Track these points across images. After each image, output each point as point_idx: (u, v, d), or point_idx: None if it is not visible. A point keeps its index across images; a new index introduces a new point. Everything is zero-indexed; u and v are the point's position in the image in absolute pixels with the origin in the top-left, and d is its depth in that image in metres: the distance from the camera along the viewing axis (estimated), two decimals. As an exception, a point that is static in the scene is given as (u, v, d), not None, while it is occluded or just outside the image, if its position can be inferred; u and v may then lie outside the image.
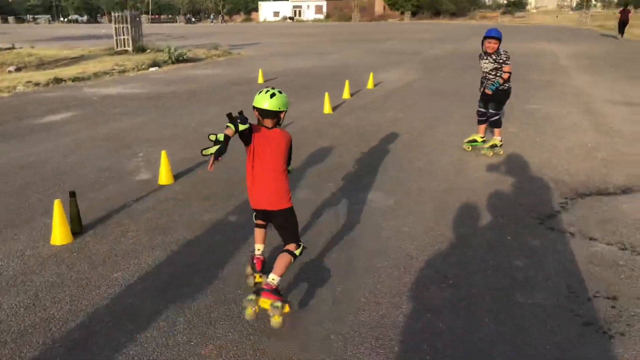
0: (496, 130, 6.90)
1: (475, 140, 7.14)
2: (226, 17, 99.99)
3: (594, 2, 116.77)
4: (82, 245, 4.39)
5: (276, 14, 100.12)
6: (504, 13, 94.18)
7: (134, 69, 17.12)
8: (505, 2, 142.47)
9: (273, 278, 3.12)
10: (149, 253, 4.23)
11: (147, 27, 45.72)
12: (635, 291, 3.50)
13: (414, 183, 5.89)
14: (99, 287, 3.69)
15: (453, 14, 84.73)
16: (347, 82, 11.91)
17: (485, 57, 6.67)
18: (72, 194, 4.67)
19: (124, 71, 16.61)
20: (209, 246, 4.33)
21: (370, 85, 12.97)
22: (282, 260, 3.20)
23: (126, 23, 22.03)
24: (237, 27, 64.19)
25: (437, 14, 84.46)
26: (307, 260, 4.02)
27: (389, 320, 3.21)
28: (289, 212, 3.35)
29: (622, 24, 30.19)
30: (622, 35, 30.12)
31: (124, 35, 22.20)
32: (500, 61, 6.51)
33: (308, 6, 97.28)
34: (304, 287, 3.64)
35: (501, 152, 6.93)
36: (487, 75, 6.74)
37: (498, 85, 6.61)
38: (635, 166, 6.37)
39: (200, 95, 12.20)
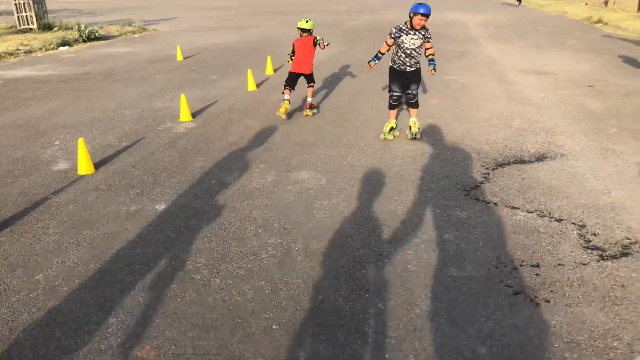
0: (415, 111, 6.57)
1: (393, 128, 6.66)
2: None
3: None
4: (-3, 247, 4.09)
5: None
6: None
7: (41, 48, 15.93)
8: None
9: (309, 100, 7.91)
10: (74, 250, 4.00)
11: (54, 1, 42.64)
12: (554, 258, 3.73)
13: (343, 160, 5.93)
14: (19, 292, 3.45)
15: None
16: (269, 58, 11.73)
17: (412, 33, 6.09)
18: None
19: (30, 51, 15.41)
20: (139, 239, 4.16)
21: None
22: (310, 91, 7.85)
23: (27, -2, 20.35)
24: (149, 1, 61.12)
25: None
26: (242, 247, 3.97)
27: (329, 305, 3.23)
28: (312, 73, 7.77)
29: None
30: (519, 3, 33.81)
31: (26, 11, 20.53)
32: (429, 37, 6.18)
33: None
34: (240, 277, 3.59)
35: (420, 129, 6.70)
36: (412, 52, 6.18)
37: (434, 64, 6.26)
38: (546, 134, 6.75)
39: (117, 75, 11.57)
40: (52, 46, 16.36)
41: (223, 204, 4.78)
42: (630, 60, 12.21)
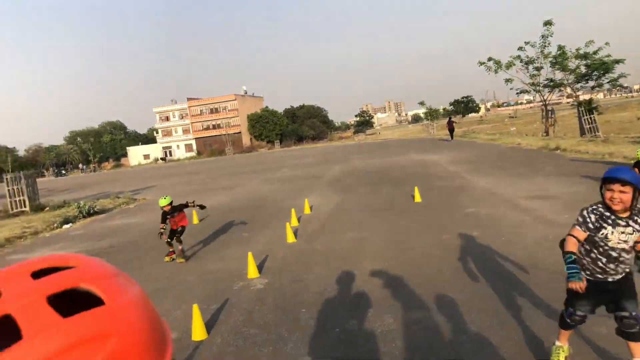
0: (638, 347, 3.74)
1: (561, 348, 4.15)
2: (97, 166, 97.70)
3: (422, 115, 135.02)
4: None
5: (146, 156, 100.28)
6: (355, 132, 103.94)
7: (45, 229, 16.08)
8: (352, 122, 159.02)
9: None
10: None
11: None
12: None
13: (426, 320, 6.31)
14: None
15: (314, 138, 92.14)
16: (293, 211, 12.39)
17: (623, 222, 3.55)
18: None
19: (36, 233, 15.52)
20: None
21: (307, 210, 13.58)
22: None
23: (19, 184, 20.86)
24: (112, 174, 62.83)
25: (300, 139, 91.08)
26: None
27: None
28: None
29: (451, 131, 44.13)
30: (452, 138, 42.76)
31: (18, 196, 20.89)
32: None
33: (178, 145, 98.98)
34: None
35: None
36: (620, 254, 3.64)
37: None
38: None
39: (143, 246, 11.81)
40: (55, 225, 16.55)
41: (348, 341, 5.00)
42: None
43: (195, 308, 5.85)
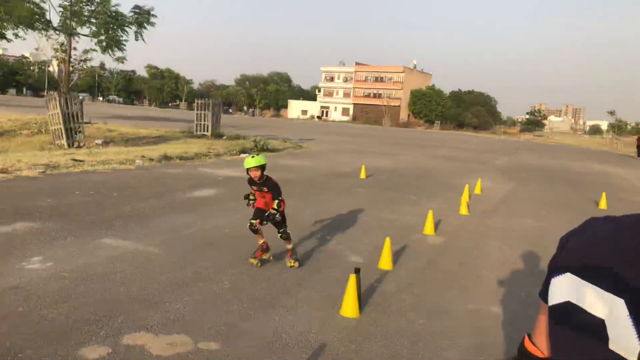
0: None
1: None
2: (259, 111, 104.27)
3: (605, 127, 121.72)
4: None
5: (304, 112, 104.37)
6: (522, 130, 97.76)
7: (226, 153, 17.66)
8: (520, 119, 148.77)
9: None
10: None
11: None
12: None
13: None
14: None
15: (475, 127, 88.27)
16: (467, 187, 12.17)
17: None
18: (357, 271, 4.74)
19: (218, 155, 17.12)
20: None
21: (477, 190, 13.24)
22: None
23: (207, 110, 23.07)
24: (272, 122, 66.57)
25: (460, 125, 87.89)
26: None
27: None
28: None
29: (638, 147, 38.79)
30: (638, 156, 37.39)
31: (204, 121, 23.15)
32: None
33: (335, 107, 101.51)
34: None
35: None
36: None
37: None
38: None
39: (317, 184, 12.49)
40: (234, 152, 18.08)
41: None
42: None
43: (387, 241, 6.09)
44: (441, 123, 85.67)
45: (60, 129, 17.31)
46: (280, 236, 5.79)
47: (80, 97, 19.48)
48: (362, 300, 4.80)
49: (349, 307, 4.54)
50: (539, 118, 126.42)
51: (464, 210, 10.20)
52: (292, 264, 5.78)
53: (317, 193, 11.27)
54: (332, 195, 11.15)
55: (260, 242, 5.85)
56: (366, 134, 48.15)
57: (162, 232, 6.87)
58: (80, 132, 17.95)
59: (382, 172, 16.16)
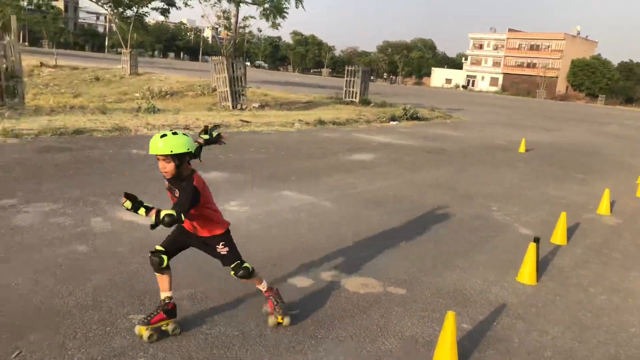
0: None
1: None
2: (401, 79, 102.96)
3: None
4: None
5: (448, 80, 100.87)
6: None
7: (375, 120, 17.93)
8: None
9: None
10: None
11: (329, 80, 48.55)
12: None
13: None
14: None
15: (649, 104, 78.43)
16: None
17: None
18: (537, 240, 4.71)
19: (368, 121, 17.44)
20: None
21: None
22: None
23: (357, 77, 23.48)
24: (415, 90, 65.41)
25: (629, 100, 78.68)
26: None
27: None
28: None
29: None
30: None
31: (352, 87, 23.63)
32: None
33: (483, 77, 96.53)
34: None
35: None
36: None
37: None
38: None
39: (471, 155, 12.25)
40: (384, 119, 18.27)
41: None
42: None
43: (563, 215, 5.91)
44: (606, 97, 77.32)
45: (227, 91, 18.82)
46: (234, 273, 3.33)
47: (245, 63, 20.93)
48: (538, 270, 4.77)
49: (527, 274, 4.56)
50: None
51: (643, 193, 9.41)
52: (280, 321, 3.43)
53: (472, 164, 11.08)
54: (489, 167, 10.89)
55: (165, 295, 3.25)
56: (519, 105, 45.53)
57: (332, 189, 7.35)
58: (243, 95, 19.37)
59: (542, 147, 15.33)
